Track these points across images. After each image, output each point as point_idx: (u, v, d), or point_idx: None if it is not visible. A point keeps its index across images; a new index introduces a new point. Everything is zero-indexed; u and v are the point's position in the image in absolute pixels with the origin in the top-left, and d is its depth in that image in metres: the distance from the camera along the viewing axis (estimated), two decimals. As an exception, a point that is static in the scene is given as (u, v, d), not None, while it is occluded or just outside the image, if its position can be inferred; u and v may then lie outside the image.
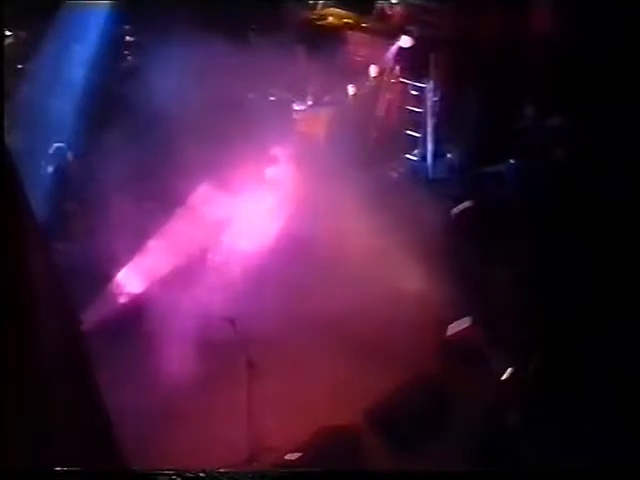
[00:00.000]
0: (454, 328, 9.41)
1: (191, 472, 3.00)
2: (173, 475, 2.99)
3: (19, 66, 12.17)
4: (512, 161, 11.65)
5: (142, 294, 9.72)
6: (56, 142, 11.38)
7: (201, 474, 3.02)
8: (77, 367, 3.72)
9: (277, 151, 11.40)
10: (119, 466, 3.94)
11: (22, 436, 3.32)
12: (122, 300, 9.75)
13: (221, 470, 3.20)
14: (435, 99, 12.44)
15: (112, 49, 12.29)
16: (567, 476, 3.34)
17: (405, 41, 12.41)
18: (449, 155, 12.66)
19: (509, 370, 8.58)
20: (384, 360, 8.80)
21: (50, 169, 11.29)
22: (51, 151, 11.33)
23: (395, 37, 12.45)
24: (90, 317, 8.32)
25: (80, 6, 11.84)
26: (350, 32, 12.90)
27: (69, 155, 11.37)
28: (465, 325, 9.39)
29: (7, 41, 11.81)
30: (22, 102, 11.16)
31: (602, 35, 10.66)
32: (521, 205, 10.73)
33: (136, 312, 9.37)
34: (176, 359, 8.72)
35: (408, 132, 12.81)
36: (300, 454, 7.91)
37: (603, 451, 7.11)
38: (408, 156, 12.82)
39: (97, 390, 4.01)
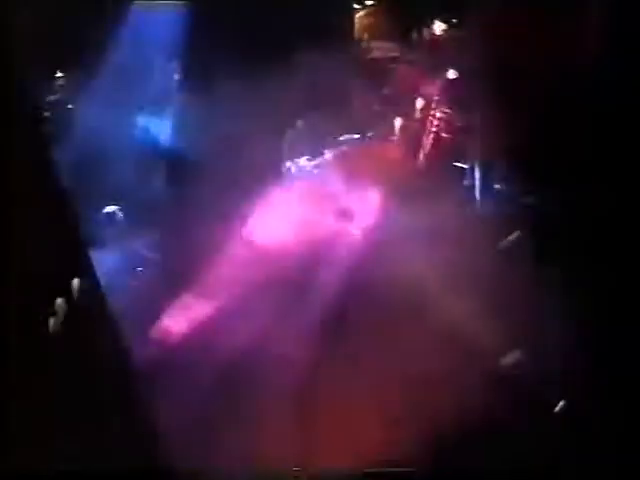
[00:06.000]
0: (506, 360, 9.32)
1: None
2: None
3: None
4: (562, 191, 11.52)
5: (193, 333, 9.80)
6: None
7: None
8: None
9: (323, 183, 11.45)
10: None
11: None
12: (173, 333, 9.81)
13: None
14: (483, 130, 12.38)
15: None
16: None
17: (452, 73, 12.43)
18: (497, 186, 12.57)
19: (562, 404, 8.46)
20: (434, 394, 8.70)
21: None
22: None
23: (442, 69, 12.47)
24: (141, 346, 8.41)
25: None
26: (396, 65, 12.94)
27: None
28: (517, 357, 9.29)
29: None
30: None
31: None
32: (572, 235, 10.59)
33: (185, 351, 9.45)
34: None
35: (456, 164, 12.79)
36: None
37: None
38: (456, 188, 12.78)
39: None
